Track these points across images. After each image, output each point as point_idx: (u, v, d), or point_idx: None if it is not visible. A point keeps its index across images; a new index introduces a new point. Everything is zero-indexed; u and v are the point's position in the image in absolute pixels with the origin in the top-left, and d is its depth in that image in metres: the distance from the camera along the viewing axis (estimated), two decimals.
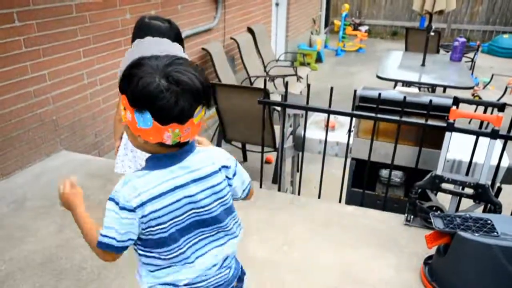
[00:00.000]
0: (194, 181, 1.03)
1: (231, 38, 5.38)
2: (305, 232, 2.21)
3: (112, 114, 3.51)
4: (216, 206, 1.07)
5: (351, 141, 2.63)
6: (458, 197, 2.21)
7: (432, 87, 5.21)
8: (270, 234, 2.19)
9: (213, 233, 1.10)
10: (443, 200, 2.42)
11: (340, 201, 2.63)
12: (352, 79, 7.76)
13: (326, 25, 10.99)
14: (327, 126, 2.47)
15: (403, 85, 5.15)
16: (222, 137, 3.92)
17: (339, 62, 9.03)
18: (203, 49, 4.73)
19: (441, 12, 5.01)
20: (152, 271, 1.08)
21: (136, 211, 0.99)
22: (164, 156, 1.01)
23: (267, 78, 5.67)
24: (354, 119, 2.52)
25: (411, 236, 2.15)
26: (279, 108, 4.41)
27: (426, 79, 4.89)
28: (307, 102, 2.38)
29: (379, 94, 2.24)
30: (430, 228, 2.17)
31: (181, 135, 0.95)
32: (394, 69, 5.29)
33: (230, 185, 1.11)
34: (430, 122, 2.19)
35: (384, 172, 2.74)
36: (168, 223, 1.02)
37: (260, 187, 2.78)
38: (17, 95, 2.64)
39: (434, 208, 2.15)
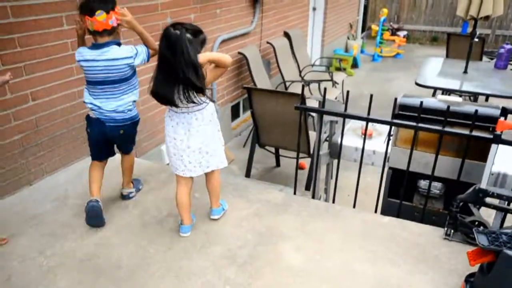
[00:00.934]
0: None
1: (267, 42, 5.39)
2: (339, 242, 2.17)
3: (151, 115, 3.59)
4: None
5: (389, 150, 2.56)
6: (503, 213, 2.10)
7: (474, 96, 5.02)
8: (303, 242, 2.17)
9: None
10: (486, 215, 2.32)
11: (376, 211, 2.56)
12: (388, 86, 7.60)
13: (363, 30, 10.82)
14: (365, 134, 2.42)
15: (443, 93, 4.98)
16: (256, 141, 3.93)
17: (376, 68, 8.87)
18: (239, 53, 4.76)
19: (486, 17, 4.82)
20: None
21: None
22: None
23: (304, 83, 5.66)
24: (392, 127, 2.46)
25: (451, 252, 2.07)
26: (313, 114, 4.37)
27: (468, 87, 4.71)
28: (345, 109, 2.34)
29: (421, 103, 2.17)
30: (472, 244, 2.08)
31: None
32: (433, 76, 5.13)
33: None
34: (475, 133, 2.10)
35: (423, 183, 2.65)
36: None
37: (294, 193, 2.76)
38: (63, 95, 2.75)
39: (476, 223, 2.06)
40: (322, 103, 2.36)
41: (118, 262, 2.01)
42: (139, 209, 2.45)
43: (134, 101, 2.32)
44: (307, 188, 3.71)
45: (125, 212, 2.41)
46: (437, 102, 2.36)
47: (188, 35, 1.88)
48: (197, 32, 1.95)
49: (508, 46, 5.23)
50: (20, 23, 2.40)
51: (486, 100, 5.96)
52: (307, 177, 3.90)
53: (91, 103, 2.21)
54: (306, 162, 4.37)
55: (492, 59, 7.30)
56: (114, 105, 2.21)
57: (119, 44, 2.13)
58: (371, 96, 2.24)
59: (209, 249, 2.12)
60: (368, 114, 2.29)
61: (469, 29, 9.57)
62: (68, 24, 2.67)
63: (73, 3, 2.68)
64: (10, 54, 2.38)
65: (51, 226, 2.28)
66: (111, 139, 2.34)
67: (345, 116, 2.34)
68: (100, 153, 2.39)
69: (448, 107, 2.12)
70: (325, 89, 2.34)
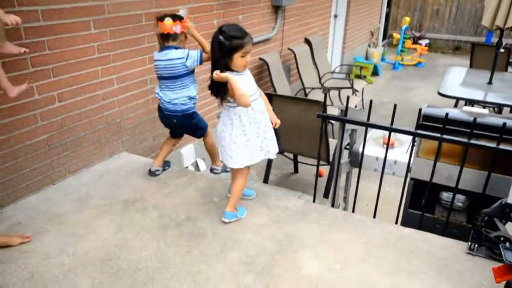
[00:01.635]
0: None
1: (288, 49, 5.39)
2: (359, 252, 2.14)
3: None
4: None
5: (411, 161, 2.52)
6: None
7: (499, 107, 4.92)
8: (322, 251, 2.15)
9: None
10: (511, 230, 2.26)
11: (396, 222, 2.53)
12: (409, 95, 7.51)
13: (384, 38, 10.74)
14: (387, 143, 2.39)
15: (465, 104, 4.89)
16: None
17: (396, 76, 8.78)
18: (260, 59, 4.78)
19: None
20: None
21: None
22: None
23: (324, 91, 5.64)
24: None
25: (475, 267, 2.02)
26: (333, 121, 4.35)
27: (493, 98, 4.62)
28: (368, 118, 2.32)
29: (447, 114, 2.14)
30: (496, 260, 2.03)
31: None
32: (456, 86, 5.05)
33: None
34: (502, 146, 2.06)
35: (445, 195, 2.61)
36: None
37: (314, 201, 2.74)
38: (88, 97, 2.80)
39: (502, 239, 2.00)
40: (345, 111, 2.34)
41: (137, 264, 2.03)
42: (159, 212, 2.47)
43: (190, 97, 2.65)
44: (326, 195, 3.68)
45: (144, 214, 2.44)
46: (463, 113, 2.32)
47: (221, 37, 2.04)
48: (232, 37, 2.04)
49: None
50: (49, 26, 2.46)
51: (511, 111, 5.83)
52: (325, 184, 3.87)
53: (157, 94, 2.69)
54: (324, 169, 4.34)
55: None
56: (170, 97, 2.62)
57: (177, 48, 2.55)
58: (395, 106, 2.22)
59: (227, 254, 2.12)
60: (392, 123, 2.27)
61: (494, 39, 9.40)
62: (95, 28, 2.73)
63: (101, 8, 2.74)
64: (39, 57, 2.44)
65: (73, 225, 2.32)
66: (169, 124, 2.80)
67: (368, 125, 2.32)
68: (170, 132, 2.91)
69: (475, 119, 2.08)
70: (347, 97, 2.33)
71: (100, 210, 2.46)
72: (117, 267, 2.01)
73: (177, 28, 2.52)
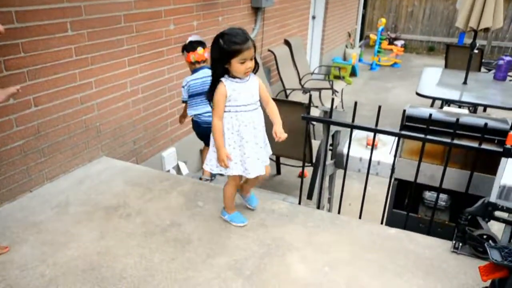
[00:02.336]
0: None
1: (269, 50, 5.39)
2: (347, 254, 2.15)
3: (152, 122, 3.56)
4: None
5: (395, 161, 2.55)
6: (511, 227, 2.09)
7: (474, 107, 5.05)
8: (310, 253, 2.14)
9: None
10: (493, 228, 2.31)
11: (382, 223, 2.55)
12: (387, 95, 7.63)
13: (360, 39, 10.89)
14: (372, 144, 2.40)
15: (442, 103, 5.00)
16: None
17: (374, 77, 8.92)
18: None
19: (486, 29, 4.86)
20: None
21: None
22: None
23: (305, 92, 5.66)
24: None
25: (460, 265, 2.05)
26: (315, 122, 4.36)
27: (468, 97, 4.74)
28: (353, 120, 2.33)
29: (430, 115, 2.16)
30: (480, 257, 2.07)
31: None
32: (433, 86, 5.16)
33: None
34: (484, 146, 2.10)
35: (428, 195, 2.65)
36: None
37: (299, 203, 2.74)
38: (66, 101, 2.71)
39: (485, 237, 2.04)
40: (329, 113, 2.34)
41: (122, 273, 1.97)
42: (142, 218, 2.41)
43: None
44: (309, 197, 3.69)
45: (128, 221, 2.37)
46: (446, 114, 2.36)
47: (220, 41, 1.99)
48: (231, 42, 1.97)
49: (508, 58, 5.28)
50: (24, 29, 2.37)
51: (484, 110, 6.00)
52: (309, 186, 3.87)
53: (194, 113, 3.14)
54: (307, 170, 4.35)
55: (490, 70, 7.36)
56: (206, 109, 3.07)
57: (209, 68, 2.76)
58: (379, 107, 2.23)
59: (214, 260, 2.08)
60: (376, 125, 2.28)
61: (466, 40, 9.67)
62: (72, 29, 2.64)
63: (79, 9, 2.66)
64: (13, 60, 2.34)
65: (52, 234, 2.23)
66: (206, 135, 2.95)
67: (353, 127, 2.33)
68: (205, 142, 3.29)
69: (457, 119, 2.11)
70: (332, 99, 2.33)
71: (81, 217, 2.38)
72: (100, 276, 1.94)
73: (206, 53, 3.04)
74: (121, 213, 2.44)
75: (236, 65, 2.01)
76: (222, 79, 2.07)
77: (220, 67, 2.05)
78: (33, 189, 2.62)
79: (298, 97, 5.49)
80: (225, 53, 1.99)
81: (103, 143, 3.09)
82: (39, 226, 2.29)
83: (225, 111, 2.10)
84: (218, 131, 2.11)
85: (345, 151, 2.64)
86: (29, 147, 2.54)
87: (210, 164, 2.24)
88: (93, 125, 2.97)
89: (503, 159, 2.00)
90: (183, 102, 3.19)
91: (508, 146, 1.95)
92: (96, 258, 2.07)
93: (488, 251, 1.62)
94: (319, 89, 5.42)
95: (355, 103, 2.36)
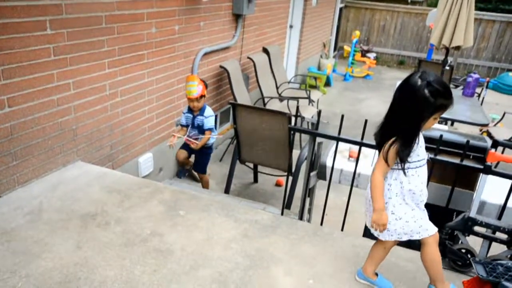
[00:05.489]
0: None
1: (248, 57, 5.38)
2: (330, 266, 2.15)
3: (130, 126, 3.46)
4: None
5: None
6: (489, 241, 2.17)
7: (445, 121, 5.22)
8: (294, 266, 2.13)
9: None
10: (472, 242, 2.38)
11: (364, 235, 2.57)
12: (360, 106, 7.80)
13: (334, 50, 11.10)
14: (357, 157, 2.43)
15: None
16: (237, 157, 3.88)
17: (347, 87, 9.09)
18: (220, 66, 4.72)
19: (458, 47, 5.08)
20: None
21: None
22: None
23: (281, 100, 5.68)
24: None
25: None
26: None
27: None
28: (339, 133, 2.35)
29: None
30: (459, 271, 2.13)
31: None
32: None
33: None
34: (465, 162, 2.16)
35: None
36: None
37: (282, 214, 2.73)
38: (41, 102, 2.59)
39: (464, 251, 2.10)
40: (316, 125, 2.35)
41: (101, 286, 1.88)
42: (122, 227, 2.32)
43: None
44: (288, 207, 3.69)
45: (106, 230, 2.28)
46: (429, 130, 2.42)
47: (426, 91, 1.62)
48: (439, 94, 1.63)
49: (476, 76, 5.52)
50: (0, 25, 2.25)
51: (452, 124, 6.24)
52: (288, 195, 3.88)
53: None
54: (284, 179, 4.36)
55: (457, 86, 7.67)
56: None
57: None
58: (366, 121, 2.26)
59: (198, 272, 2.03)
60: (362, 138, 2.31)
61: (433, 56, 10.05)
62: (52, 28, 2.53)
63: (59, 8, 2.55)
64: None
65: (24, 243, 2.11)
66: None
67: (339, 139, 2.34)
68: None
69: (441, 136, 2.17)
70: (319, 111, 2.34)
71: (56, 225, 2.27)
72: None
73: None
74: (99, 221, 2.35)
75: (431, 121, 1.69)
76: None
77: (417, 124, 1.68)
78: (3, 194, 2.48)
79: (275, 105, 5.51)
80: (431, 107, 1.64)
81: (79, 147, 2.98)
82: (10, 234, 2.16)
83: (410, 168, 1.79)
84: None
85: (328, 162, 2.65)
86: (0, 149, 2.40)
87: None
88: (69, 128, 2.85)
89: (482, 176, 2.06)
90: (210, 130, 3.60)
91: (488, 163, 2.02)
92: (73, 269, 1.97)
93: (474, 266, 1.67)
94: (297, 98, 5.46)
95: (342, 116, 2.38)
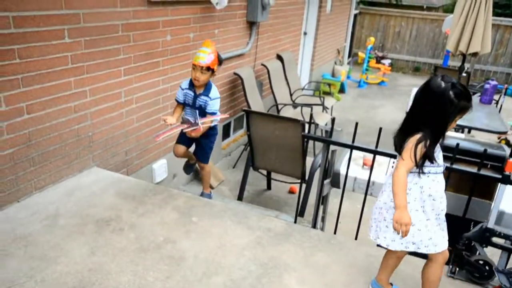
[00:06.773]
0: None
1: (262, 64, 5.40)
2: (344, 276, 2.13)
3: (145, 132, 3.50)
4: None
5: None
6: (507, 253, 2.11)
7: (461, 129, 5.14)
8: (307, 275, 2.11)
9: None
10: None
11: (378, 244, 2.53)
12: (375, 113, 7.73)
13: (349, 56, 11.06)
14: (372, 166, 2.41)
15: None
16: (250, 164, 3.88)
17: (362, 94, 9.04)
18: (234, 73, 4.75)
19: (475, 54, 5.00)
20: None
21: None
22: None
23: (294, 107, 5.68)
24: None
25: None
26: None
27: None
28: (353, 141, 2.33)
29: None
30: (476, 283, 2.08)
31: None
32: None
33: None
34: (483, 172, 2.12)
35: None
36: None
37: (295, 222, 2.71)
38: (59, 109, 2.64)
39: (482, 263, 2.06)
40: (330, 132, 2.34)
41: None
42: (135, 233, 2.34)
43: None
44: (301, 214, 3.67)
45: (120, 235, 2.30)
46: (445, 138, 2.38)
47: (451, 93, 1.65)
48: (462, 96, 1.67)
49: (493, 82, 5.42)
50: (21, 34, 2.30)
51: (469, 132, 6.13)
52: (301, 202, 3.86)
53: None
54: (297, 186, 4.33)
55: (474, 93, 7.54)
56: None
57: None
58: (380, 129, 2.24)
59: (210, 279, 2.03)
60: (376, 146, 2.29)
61: (450, 62, 9.92)
62: (70, 37, 2.59)
63: (77, 17, 2.61)
64: (8, 65, 2.27)
65: (41, 248, 2.15)
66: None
67: (353, 147, 2.33)
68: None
69: (457, 144, 2.14)
70: (333, 119, 2.33)
71: (72, 230, 2.30)
72: None
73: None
74: (114, 227, 2.37)
75: (453, 123, 1.75)
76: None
77: (445, 126, 1.72)
78: (21, 199, 2.53)
79: (289, 112, 5.50)
80: (456, 109, 1.68)
81: (94, 153, 3.02)
82: (27, 239, 2.20)
83: (423, 173, 1.78)
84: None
85: (341, 170, 2.63)
86: (19, 155, 2.45)
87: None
88: (85, 134, 2.89)
89: (501, 186, 2.02)
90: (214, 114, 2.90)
91: (507, 173, 1.97)
92: (87, 274, 1.99)
93: (497, 275, 1.63)
94: (311, 105, 5.44)
95: (356, 124, 2.37)
